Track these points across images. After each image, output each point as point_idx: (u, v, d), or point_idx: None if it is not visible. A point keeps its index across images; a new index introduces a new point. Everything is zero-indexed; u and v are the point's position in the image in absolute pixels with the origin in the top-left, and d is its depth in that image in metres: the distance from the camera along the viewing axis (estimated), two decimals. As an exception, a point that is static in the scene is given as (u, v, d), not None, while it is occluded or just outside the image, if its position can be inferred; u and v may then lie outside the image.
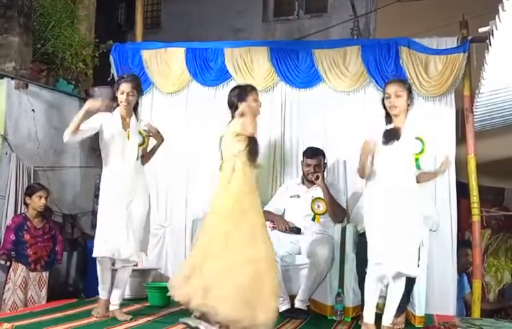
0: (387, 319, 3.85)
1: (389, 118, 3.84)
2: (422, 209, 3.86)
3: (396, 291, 3.82)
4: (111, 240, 4.02)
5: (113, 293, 4.15)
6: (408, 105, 3.83)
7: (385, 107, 3.86)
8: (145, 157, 4.37)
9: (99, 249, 4.04)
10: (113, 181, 4.09)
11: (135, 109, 4.25)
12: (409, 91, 3.85)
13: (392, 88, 3.81)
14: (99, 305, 4.14)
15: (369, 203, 3.84)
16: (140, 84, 4.36)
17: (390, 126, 3.81)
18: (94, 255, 4.07)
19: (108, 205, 4.07)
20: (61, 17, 6.33)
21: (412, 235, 3.73)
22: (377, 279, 3.77)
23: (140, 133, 4.29)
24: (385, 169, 3.75)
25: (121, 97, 4.12)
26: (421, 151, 3.78)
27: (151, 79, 5.60)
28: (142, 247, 4.28)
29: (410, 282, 3.93)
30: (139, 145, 4.26)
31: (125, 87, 4.12)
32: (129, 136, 4.12)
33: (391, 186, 3.71)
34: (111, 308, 4.13)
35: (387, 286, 3.79)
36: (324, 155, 4.94)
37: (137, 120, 4.26)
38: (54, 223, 5.47)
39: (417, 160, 3.79)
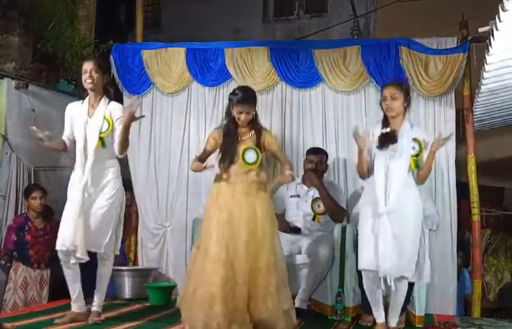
0: (393, 321, 3.87)
1: (386, 120, 3.87)
2: (423, 209, 3.89)
3: (399, 293, 3.82)
4: (65, 233, 3.87)
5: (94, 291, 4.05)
6: (406, 107, 3.86)
7: (382, 108, 3.89)
8: (117, 144, 3.97)
9: (57, 243, 3.92)
10: (75, 172, 3.97)
11: (108, 94, 4.07)
12: (406, 93, 3.86)
13: (388, 91, 3.83)
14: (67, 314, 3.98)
15: (364, 206, 3.87)
16: (104, 64, 4.19)
17: (386, 130, 3.84)
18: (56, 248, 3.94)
19: (69, 198, 3.95)
20: (62, 17, 6.34)
21: (413, 236, 3.74)
22: (372, 283, 3.80)
23: (106, 119, 3.97)
24: (381, 171, 3.77)
25: (84, 77, 3.95)
26: (419, 154, 3.79)
27: (152, 79, 5.60)
28: (113, 242, 4.01)
29: (410, 285, 3.93)
30: (103, 132, 3.94)
31: (87, 65, 3.97)
32: (87, 122, 3.95)
33: (387, 188, 3.72)
34: (92, 308, 4.02)
35: (388, 287, 3.80)
36: (327, 155, 4.95)
37: (108, 103, 4.00)
38: (58, 223, 5.45)
39: (415, 161, 3.81)
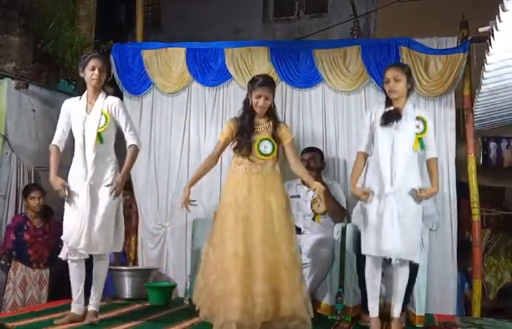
0: (397, 311, 3.84)
1: (389, 102, 3.87)
2: (424, 203, 3.87)
3: (402, 279, 3.81)
4: (66, 232, 3.88)
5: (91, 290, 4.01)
6: (409, 89, 3.87)
7: (385, 91, 3.90)
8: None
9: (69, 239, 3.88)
10: (76, 168, 3.96)
11: (104, 89, 4.05)
12: (409, 75, 3.88)
13: (391, 73, 3.84)
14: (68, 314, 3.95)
15: (370, 185, 3.83)
16: (109, 62, 4.17)
17: (390, 108, 3.84)
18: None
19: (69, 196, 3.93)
20: (62, 17, 6.34)
21: (415, 218, 3.74)
22: (375, 268, 3.79)
23: (104, 114, 3.95)
24: (386, 151, 3.76)
25: (91, 73, 3.90)
26: (424, 131, 3.82)
27: (152, 79, 5.60)
28: (110, 240, 3.97)
29: (411, 279, 3.93)
30: (101, 128, 3.93)
31: (96, 62, 3.93)
32: (85, 119, 3.94)
33: (393, 167, 3.72)
34: (89, 308, 3.97)
35: (388, 280, 3.80)
36: (320, 153, 4.95)
37: (106, 98, 3.99)
38: (57, 223, 5.46)
39: (420, 139, 3.82)
